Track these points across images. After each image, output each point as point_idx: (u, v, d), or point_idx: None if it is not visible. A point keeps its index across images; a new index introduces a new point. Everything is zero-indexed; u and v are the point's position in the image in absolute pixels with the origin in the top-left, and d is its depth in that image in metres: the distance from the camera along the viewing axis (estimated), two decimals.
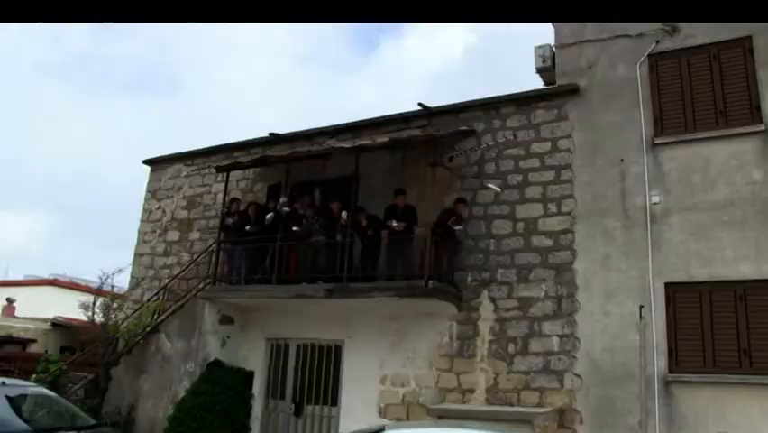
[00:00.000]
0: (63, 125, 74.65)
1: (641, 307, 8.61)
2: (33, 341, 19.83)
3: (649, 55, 9.61)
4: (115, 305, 18.07)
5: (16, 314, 22.10)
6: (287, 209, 10.96)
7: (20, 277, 27.84)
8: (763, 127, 8.58)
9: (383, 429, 6.20)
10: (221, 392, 10.65)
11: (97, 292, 21.25)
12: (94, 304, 19.44)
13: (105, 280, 12.82)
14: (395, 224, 9.97)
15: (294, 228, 10.77)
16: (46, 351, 18.46)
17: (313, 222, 10.89)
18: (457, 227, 9.97)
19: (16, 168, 68.57)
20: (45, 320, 20.84)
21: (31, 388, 8.82)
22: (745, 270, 8.17)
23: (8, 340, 18.67)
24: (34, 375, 11.35)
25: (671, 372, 8.22)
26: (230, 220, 11.62)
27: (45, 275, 27.04)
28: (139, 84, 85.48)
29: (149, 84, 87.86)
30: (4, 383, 7.22)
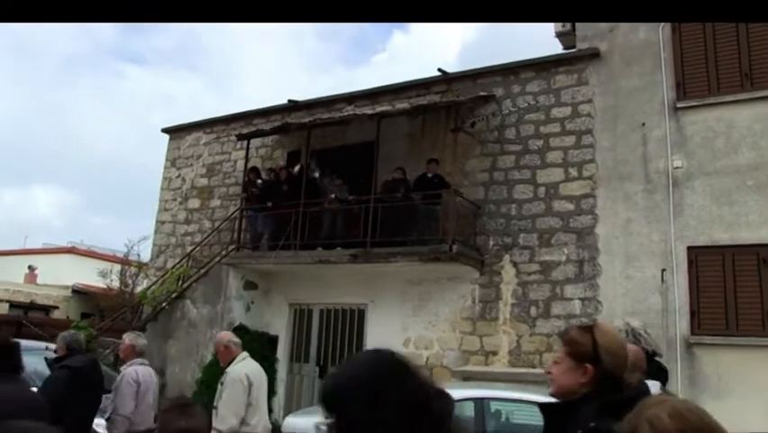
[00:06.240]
0: (87, 106, 75.86)
1: (663, 270, 8.72)
2: (56, 307, 20.25)
3: None
4: (133, 271, 18.41)
5: (38, 281, 22.45)
6: (316, 175, 11.04)
7: (38, 246, 28.15)
8: None
9: None
10: None
11: (114, 259, 21.65)
12: (111, 272, 19.89)
13: (132, 247, 12.99)
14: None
15: (332, 196, 10.87)
16: (68, 317, 18.87)
17: (334, 188, 11.00)
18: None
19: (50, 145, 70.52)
20: (65, 287, 21.23)
21: None
22: None
23: (32, 306, 19.04)
24: None
25: (693, 334, 8.36)
26: (254, 190, 11.69)
27: (63, 244, 27.38)
28: (154, 59, 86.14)
29: (161, 59, 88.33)
30: (47, 348, 7.45)
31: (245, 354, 5.58)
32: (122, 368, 5.65)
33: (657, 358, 3.78)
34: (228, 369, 5.40)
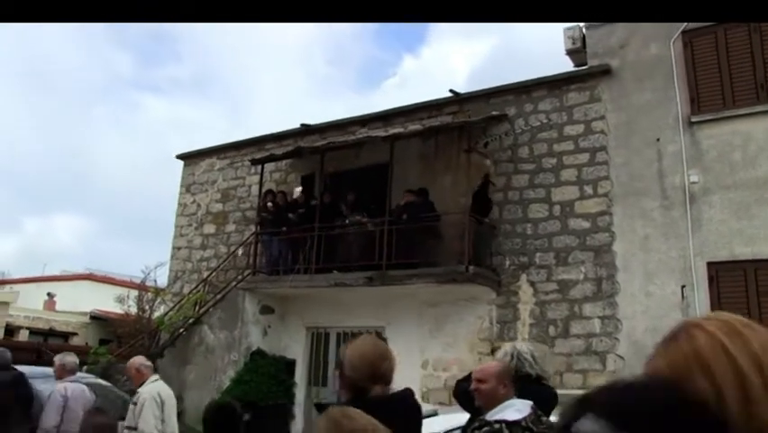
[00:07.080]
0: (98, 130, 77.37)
1: (683, 287, 8.61)
2: (74, 334, 20.35)
3: (683, 32, 9.48)
4: (149, 296, 18.50)
5: (56, 308, 22.60)
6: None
7: (56, 273, 28.36)
8: None
9: (436, 413, 6.32)
10: (265, 381, 10.87)
11: (131, 285, 21.75)
12: (128, 297, 19.99)
13: (148, 273, 13.05)
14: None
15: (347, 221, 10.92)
16: (87, 343, 18.96)
17: (349, 213, 11.04)
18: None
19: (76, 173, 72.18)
20: (84, 314, 21.35)
21: (86, 378, 9.07)
22: None
23: (51, 333, 19.17)
24: (85, 366, 11.63)
25: None
26: (264, 214, 11.75)
27: (80, 270, 27.57)
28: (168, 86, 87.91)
29: (172, 85, 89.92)
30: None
31: (156, 376, 6.02)
32: (57, 385, 6.03)
33: (545, 382, 3.78)
34: (140, 389, 5.74)
